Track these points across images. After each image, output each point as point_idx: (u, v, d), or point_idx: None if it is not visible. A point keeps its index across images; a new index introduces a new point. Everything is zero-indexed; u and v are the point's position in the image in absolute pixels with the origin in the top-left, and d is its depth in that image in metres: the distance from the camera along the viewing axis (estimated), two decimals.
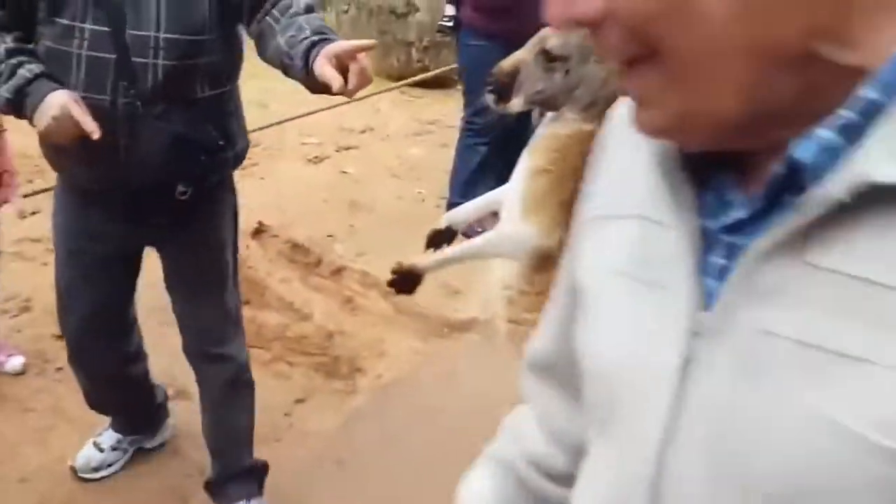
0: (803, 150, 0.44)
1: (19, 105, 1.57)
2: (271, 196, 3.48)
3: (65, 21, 1.58)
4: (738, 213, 0.49)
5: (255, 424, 2.38)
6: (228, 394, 2.07)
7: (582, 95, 1.49)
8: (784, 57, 0.43)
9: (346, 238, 3.54)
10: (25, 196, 2.73)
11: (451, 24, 3.86)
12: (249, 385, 2.11)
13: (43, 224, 2.44)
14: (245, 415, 2.11)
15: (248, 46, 1.80)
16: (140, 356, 2.14)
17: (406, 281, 1.62)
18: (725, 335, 0.48)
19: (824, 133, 0.44)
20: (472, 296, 3.48)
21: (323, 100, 2.38)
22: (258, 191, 3.50)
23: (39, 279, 2.77)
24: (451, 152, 4.08)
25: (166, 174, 1.70)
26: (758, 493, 0.46)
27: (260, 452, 2.38)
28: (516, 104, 1.48)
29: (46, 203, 2.25)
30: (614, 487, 0.56)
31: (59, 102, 1.52)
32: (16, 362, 2.58)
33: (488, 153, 3.87)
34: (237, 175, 3.83)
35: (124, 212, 1.78)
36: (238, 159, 1.92)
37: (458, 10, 3.79)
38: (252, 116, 4.26)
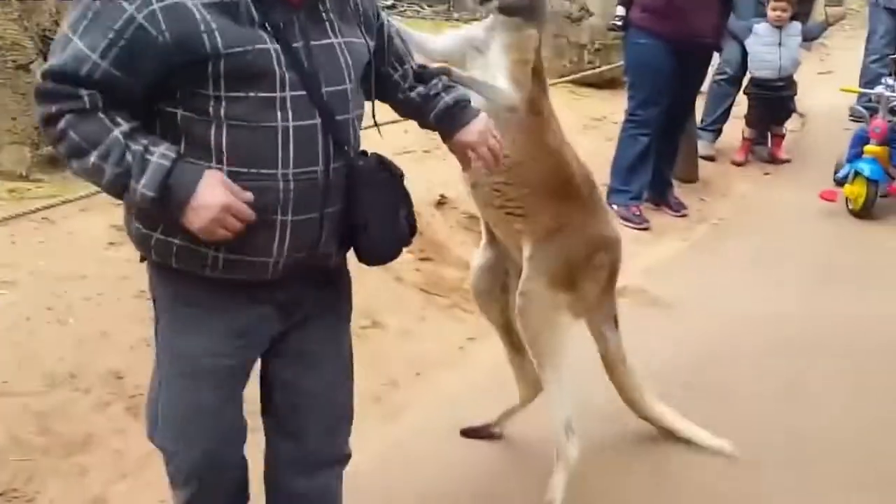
0: None
1: (165, 201, 1.34)
2: (452, 173, 3.98)
3: (262, 94, 1.38)
4: None
5: (437, 352, 2.92)
6: None
7: (531, 10, 2.12)
8: None
9: None
10: None
11: (621, 23, 4.23)
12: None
13: None
14: None
15: None
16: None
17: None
18: None
19: None
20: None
21: None
22: (440, 168, 4.01)
23: None
24: (615, 145, 4.45)
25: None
26: None
27: (439, 376, 2.90)
28: (493, 3, 2.06)
29: None
30: None
31: (217, 202, 1.34)
32: None
33: (648, 143, 4.21)
34: (421, 155, 4.41)
35: (282, 298, 1.54)
36: None
37: (627, 11, 4.16)
38: None
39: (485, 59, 2.10)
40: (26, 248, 2.90)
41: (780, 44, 5.26)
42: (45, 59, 3.45)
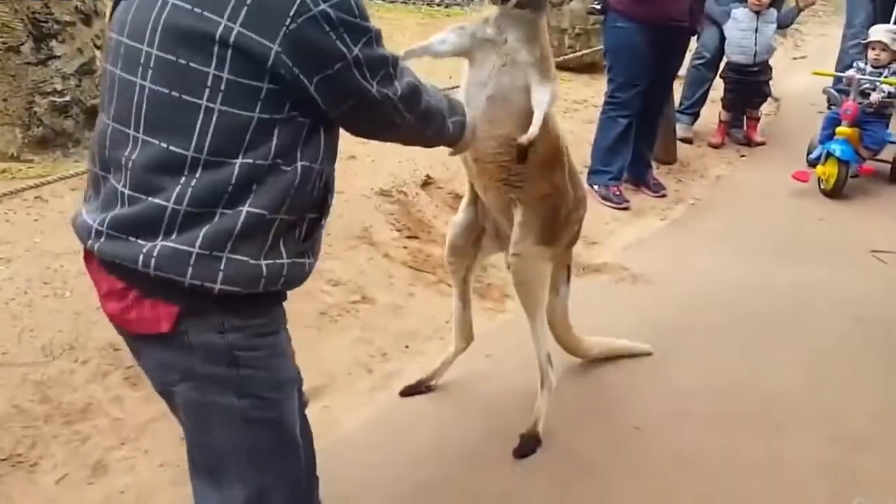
0: None
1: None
2: (437, 155, 4.07)
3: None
4: None
5: (424, 326, 3.03)
6: None
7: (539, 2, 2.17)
8: None
9: None
10: None
11: (599, 7, 4.33)
12: None
13: None
14: None
15: None
16: None
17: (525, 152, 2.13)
18: None
19: None
20: (603, 247, 3.96)
21: None
22: (426, 150, 4.11)
23: None
24: (595, 128, 4.55)
25: None
26: None
27: (427, 347, 3.00)
28: (511, 3, 2.09)
29: None
30: None
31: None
32: None
33: (628, 125, 4.32)
34: None
35: None
36: None
37: None
38: None
39: (504, 55, 2.13)
40: (21, 226, 2.96)
41: (756, 30, 5.38)
42: (35, 41, 3.57)
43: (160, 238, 1.29)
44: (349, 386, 2.73)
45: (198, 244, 1.29)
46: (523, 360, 2.55)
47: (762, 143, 5.73)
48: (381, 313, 3.11)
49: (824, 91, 5.16)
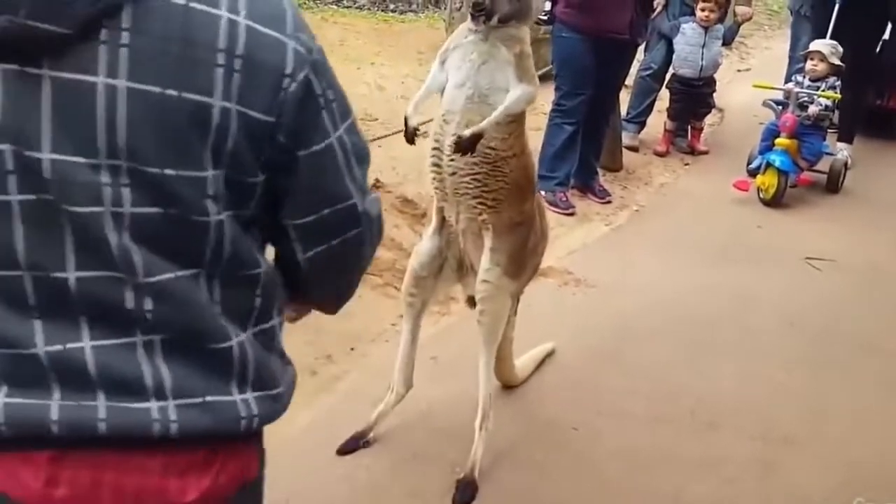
0: None
1: None
2: (386, 160, 4.12)
3: None
4: None
5: (370, 329, 3.05)
6: None
7: (522, 13, 2.18)
8: None
9: None
10: None
11: (546, 18, 4.41)
12: None
13: None
14: None
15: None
16: None
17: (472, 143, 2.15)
18: None
19: None
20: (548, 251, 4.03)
21: None
22: (376, 154, 4.14)
23: None
24: (542, 135, 4.63)
25: None
26: None
27: (371, 349, 3.03)
28: (494, 20, 2.11)
29: None
30: None
31: None
32: None
33: (573, 132, 4.40)
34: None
35: None
36: None
37: (553, 6, 4.35)
38: (374, 97, 5.05)
39: (484, 53, 2.15)
40: None
41: (703, 45, 5.53)
42: None
43: None
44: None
45: None
46: (470, 362, 2.54)
47: (705, 152, 5.87)
48: (328, 316, 3.13)
49: (764, 103, 5.32)
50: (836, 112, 5.29)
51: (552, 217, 4.35)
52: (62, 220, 0.85)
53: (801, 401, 2.90)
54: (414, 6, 8.78)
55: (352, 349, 3.02)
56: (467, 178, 2.24)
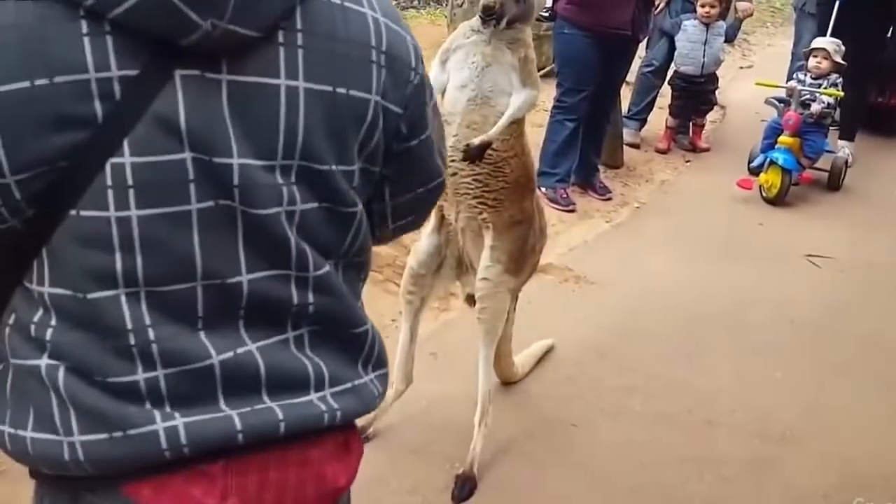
0: None
1: None
2: None
3: None
4: None
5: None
6: None
7: (526, 14, 2.19)
8: None
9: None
10: None
11: (548, 14, 4.41)
12: None
13: None
14: None
15: None
16: None
17: (481, 152, 2.16)
18: None
19: None
20: (549, 248, 4.04)
21: None
22: None
23: None
24: (543, 131, 4.64)
25: None
26: None
27: None
28: (503, 23, 2.12)
29: None
30: None
31: None
32: None
33: (575, 128, 4.41)
34: None
35: None
36: None
37: (554, 2, 4.35)
38: None
39: (488, 56, 2.15)
40: None
41: (705, 42, 5.53)
42: None
43: None
44: None
45: None
46: (471, 357, 2.54)
47: (707, 150, 5.87)
48: None
49: (767, 101, 5.31)
50: (838, 109, 5.28)
51: (553, 214, 4.37)
52: (237, 223, 0.83)
53: (800, 398, 2.91)
54: (415, 2, 8.78)
55: None
56: (468, 179, 2.24)
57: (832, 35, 5.18)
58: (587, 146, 4.59)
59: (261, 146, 0.83)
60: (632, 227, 4.48)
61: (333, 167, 0.88)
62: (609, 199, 4.74)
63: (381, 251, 3.61)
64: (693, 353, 3.15)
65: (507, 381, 2.80)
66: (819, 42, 5.07)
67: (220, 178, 0.81)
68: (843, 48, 5.00)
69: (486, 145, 2.15)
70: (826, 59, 4.96)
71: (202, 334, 0.84)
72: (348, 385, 0.95)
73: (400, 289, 2.53)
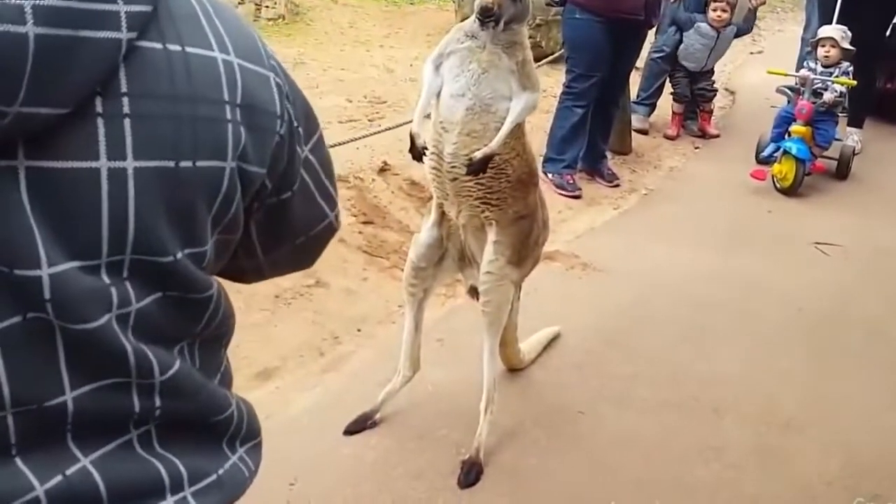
0: None
1: None
2: (394, 142, 4.11)
3: None
4: None
5: (376, 310, 3.07)
6: None
7: (523, 14, 2.16)
8: None
9: None
10: None
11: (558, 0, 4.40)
12: None
13: None
14: None
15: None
16: None
17: (484, 164, 2.15)
18: None
19: None
20: (556, 235, 4.04)
21: None
22: (384, 137, 4.15)
23: None
24: (551, 117, 4.63)
25: None
26: None
27: (378, 330, 3.05)
28: (502, 23, 2.09)
29: None
30: None
31: None
32: None
33: (583, 115, 4.39)
34: (367, 123, 4.51)
35: None
36: None
37: None
38: (383, 80, 5.06)
39: (484, 62, 2.11)
40: None
41: (713, 48, 5.54)
42: None
43: None
44: (301, 367, 2.77)
45: None
46: (475, 342, 2.56)
47: (716, 136, 5.85)
48: (335, 297, 3.16)
49: (778, 90, 5.28)
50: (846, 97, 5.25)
51: (560, 200, 4.37)
52: (55, 340, 0.67)
53: (806, 387, 2.91)
54: None
55: (358, 330, 3.04)
56: (470, 184, 2.22)
57: (838, 22, 5.14)
58: (595, 132, 4.58)
59: (79, 245, 0.65)
60: (639, 214, 4.48)
61: (179, 255, 0.71)
62: (617, 185, 4.73)
63: (387, 237, 3.62)
64: (700, 340, 3.15)
65: (514, 368, 2.81)
66: (825, 31, 5.03)
67: (26, 292, 0.64)
68: (849, 34, 4.96)
69: (489, 158, 2.13)
70: (834, 47, 4.92)
71: (19, 461, 0.68)
72: (212, 478, 0.80)
73: (402, 282, 2.53)
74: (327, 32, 6.70)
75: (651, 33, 5.96)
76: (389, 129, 4.17)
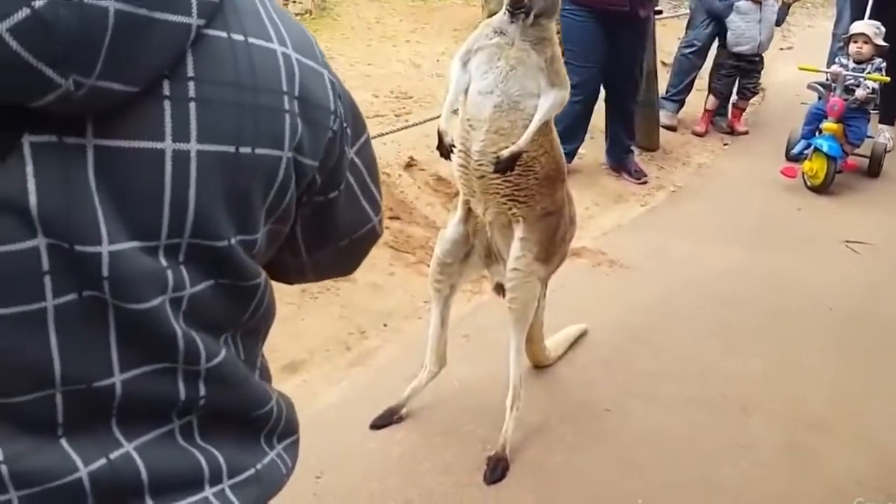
0: None
1: None
2: (421, 137, 4.12)
3: None
4: None
5: (403, 305, 3.08)
6: None
7: (553, 8, 2.15)
8: None
9: None
10: None
11: None
12: None
13: None
14: None
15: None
16: None
17: (512, 162, 2.14)
18: None
19: None
20: (583, 231, 4.03)
21: None
22: (410, 132, 4.16)
23: None
24: None
25: None
26: None
27: (404, 325, 3.06)
28: (532, 16, 2.07)
29: None
30: None
31: None
32: None
33: (582, 108, 4.37)
34: (394, 119, 4.53)
35: None
36: None
37: None
38: (409, 75, 5.06)
39: (512, 59, 2.10)
40: None
41: (760, 21, 5.45)
42: None
43: None
44: (328, 361, 2.79)
45: None
46: (502, 340, 2.55)
47: (745, 133, 5.80)
48: (361, 292, 3.17)
49: (809, 86, 5.21)
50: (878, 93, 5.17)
51: (588, 197, 4.35)
52: (108, 319, 0.68)
53: (835, 385, 2.88)
54: None
55: (385, 325, 3.05)
56: (497, 181, 2.21)
57: (871, 17, 5.06)
58: (616, 128, 4.56)
59: (139, 225, 0.67)
60: (667, 210, 4.45)
61: (233, 241, 0.72)
62: (644, 182, 4.70)
63: (414, 232, 3.62)
64: (727, 337, 3.13)
65: (540, 365, 2.81)
66: (858, 27, 4.96)
67: (85, 269, 0.65)
68: (882, 30, 4.88)
69: (516, 156, 2.12)
70: (867, 43, 4.85)
71: (64, 442, 0.69)
72: (251, 472, 0.81)
73: (428, 278, 2.53)
74: (354, 27, 6.71)
75: (681, 28, 5.92)
76: (416, 124, 4.19)
